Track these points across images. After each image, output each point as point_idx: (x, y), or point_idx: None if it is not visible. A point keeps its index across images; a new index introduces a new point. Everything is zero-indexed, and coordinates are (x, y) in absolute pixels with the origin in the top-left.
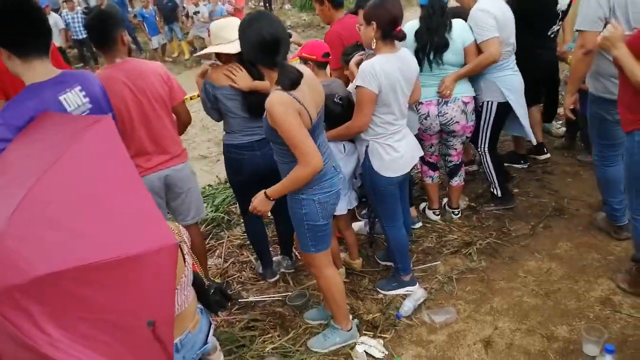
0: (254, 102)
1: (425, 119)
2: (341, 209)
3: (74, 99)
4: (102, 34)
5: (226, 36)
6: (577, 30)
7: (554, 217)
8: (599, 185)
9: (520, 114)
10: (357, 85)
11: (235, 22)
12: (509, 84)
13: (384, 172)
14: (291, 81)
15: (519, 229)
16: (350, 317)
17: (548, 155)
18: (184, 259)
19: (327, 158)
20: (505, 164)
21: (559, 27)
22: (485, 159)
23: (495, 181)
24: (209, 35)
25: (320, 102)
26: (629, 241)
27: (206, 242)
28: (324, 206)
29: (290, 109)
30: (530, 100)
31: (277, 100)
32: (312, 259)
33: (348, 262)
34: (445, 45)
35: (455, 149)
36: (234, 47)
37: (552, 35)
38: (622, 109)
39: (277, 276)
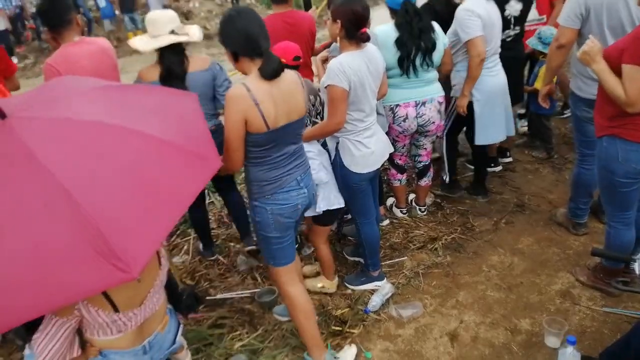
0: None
1: (404, 120)
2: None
3: None
4: (57, 17)
5: (152, 30)
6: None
7: (516, 213)
8: (572, 183)
9: (480, 116)
10: (327, 85)
11: (168, 15)
12: (479, 83)
13: (354, 168)
14: (273, 70)
15: (482, 225)
16: (325, 345)
17: (510, 159)
18: (160, 262)
19: (293, 170)
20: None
21: (516, 30)
22: (442, 143)
23: (446, 167)
24: None
25: (294, 113)
26: (587, 236)
27: (172, 240)
28: (277, 218)
29: (238, 107)
30: None
31: (232, 93)
32: (272, 273)
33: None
34: (433, 47)
35: (425, 148)
36: (152, 44)
37: (509, 39)
38: (596, 114)
39: (215, 256)
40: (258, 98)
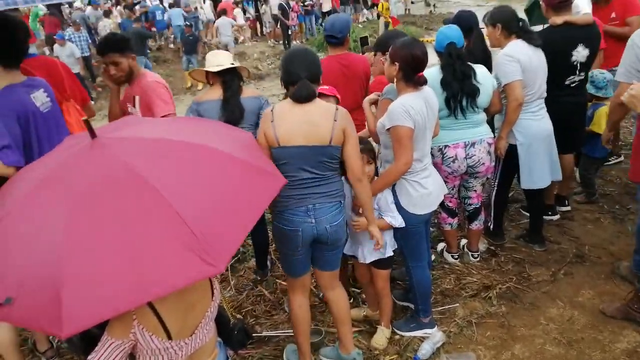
0: (228, 110)
1: (453, 161)
2: (364, 255)
3: (40, 97)
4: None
5: (214, 61)
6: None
7: (575, 264)
8: (635, 234)
9: (524, 160)
10: (392, 126)
11: (224, 53)
12: (523, 127)
13: (412, 210)
14: (300, 95)
15: (539, 275)
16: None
17: (569, 207)
18: (212, 292)
19: (306, 197)
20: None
21: (581, 76)
22: (492, 193)
23: (492, 215)
24: None
25: (314, 138)
26: None
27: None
28: (284, 236)
29: (263, 120)
30: (561, 149)
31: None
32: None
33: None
34: (476, 91)
35: (475, 190)
36: (216, 68)
37: (573, 85)
38: (634, 158)
39: (268, 275)
40: (275, 116)
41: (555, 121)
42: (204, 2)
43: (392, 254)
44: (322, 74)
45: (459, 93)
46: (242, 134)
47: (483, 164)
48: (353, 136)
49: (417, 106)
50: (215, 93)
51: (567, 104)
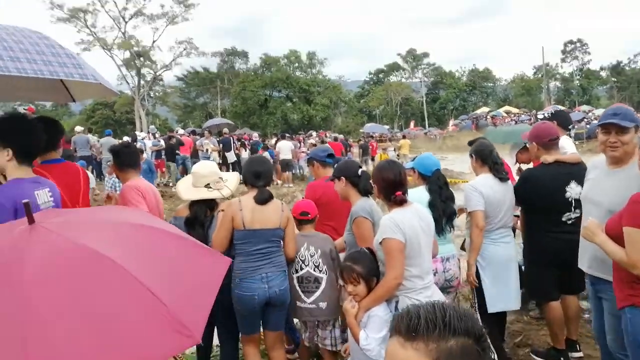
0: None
1: (434, 274)
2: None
3: (43, 196)
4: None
5: (193, 181)
6: None
7: None
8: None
9: (487, 283)
10: (382, 240)
11: (208, 168)
12: (484, 251)
13: None
14: (259, 199)
15: None
16: None
17: (581, 354)
18: None
19: (261, 267)
20: None
21: (577, 214)
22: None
23: (490, 345)
24: None
25: (269, 223)
26: None
27: None
28: (240, 299)
29: (230, 208)
30: (563, 289)
31: (229, 201)
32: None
33: None
34: (455, 213)
35: None
36: (189, 195)
37: (570, 222)
38: (615, 288)
39: None
40: (243, 207)
41: (556, 260)
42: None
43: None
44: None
45: (443, 214)
46: (211, 260)
47: (456, 277)
48: (292, 222)
49: (406, 220)
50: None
51: (566, 241)
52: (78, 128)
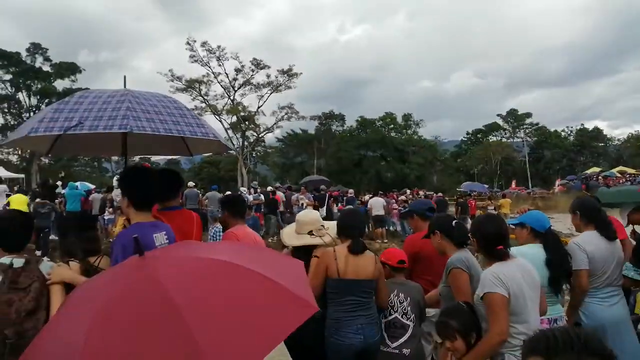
0: None
1: None
2: None
3: (160, 238)
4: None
5: (297, 229)
6: None
7: None
8: None
9: None
10: (483, 294)
11: (311, 217)
12: (590, 311)
13: None
14: (353, 248)
15: None
16: None
17: None
18: None
19: (356, 317)
20: None
21: None
22: None
23: None
24: None
25: (362, 274)
26: None
27: None
28: (337, 348)
29: (323, 258)
30: None
31: (324, 250)
32: None
33: None
34: (571, 271)
35: None
36: (293, 241)
37: None
38: None
39: None
40: (338, 256)
41: None
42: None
43: None
44: None
45: (563, 273)
46: (292, 261)
47: None
48: (383, 273)
49: (509, 273)
50: None
51: None
52: (190, 183)
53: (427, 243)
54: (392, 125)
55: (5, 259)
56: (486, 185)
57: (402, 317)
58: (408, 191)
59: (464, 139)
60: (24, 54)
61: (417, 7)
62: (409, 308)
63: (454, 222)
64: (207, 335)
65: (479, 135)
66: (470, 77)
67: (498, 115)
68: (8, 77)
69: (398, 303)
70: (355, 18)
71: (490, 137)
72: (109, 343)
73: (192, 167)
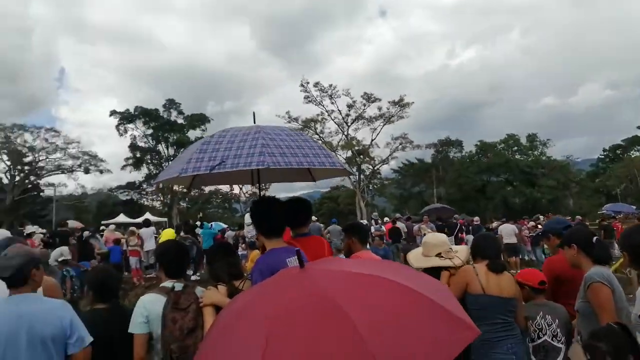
0: None
1: None
2: None
3: (293, 262)
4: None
5: (424, 251)
6: None
7: None
8: None
9: None
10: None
11: (439, 239)
12: None
13: None
14: (492, 267)
15: None
16: None
17: None
18: None
19: (503, 338)
20: None
21: None
22: None
23: None
24: None
25: (505, 292)
26: None
27: None
28: None
29: (462, 275)
30: None
31: (464, 267)
32: None
33: None
34: None
35: None
36: (422, 263)
37: None
38: None
39: None
40: (478, 272)
41: None
42: None
43: None
44: None
45: None
46: (441, 285)
47: None
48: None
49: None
50: None
51: None
52: (313, 217)
53: (568, 265)
54: (515, 148)
55: (168, 283)
56: (634, 207)
57: (552, 339)
58: (541, 217)
59: (600, 156)
60: (161, 109)
61: (530, 22)
62: (558, 330)
63: (594, 238)
64: (381, 347)
65: (618, 151)
66: (601, 89)
67: (638, 127)
68: (149, 131)
69: (546, 325)
70: (465, 41)
71: (632, 152)
72: (290, 345)
73: (312, 203)
